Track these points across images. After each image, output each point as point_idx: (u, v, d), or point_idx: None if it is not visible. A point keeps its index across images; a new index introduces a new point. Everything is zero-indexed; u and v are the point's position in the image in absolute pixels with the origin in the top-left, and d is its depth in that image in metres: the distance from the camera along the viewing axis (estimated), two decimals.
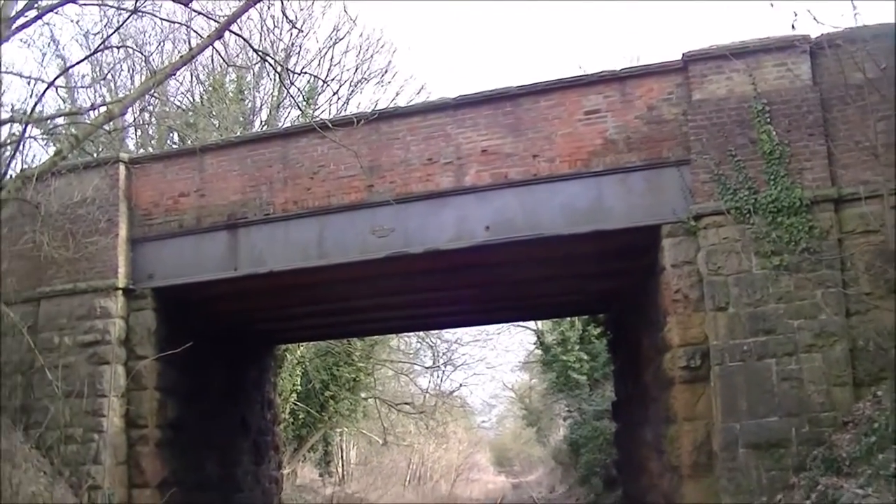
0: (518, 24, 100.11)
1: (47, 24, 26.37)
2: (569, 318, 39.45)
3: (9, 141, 17.53)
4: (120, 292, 17.81)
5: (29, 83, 27.32)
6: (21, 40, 28.90)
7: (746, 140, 14.87)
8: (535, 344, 49.41)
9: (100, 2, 16.20)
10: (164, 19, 20.04)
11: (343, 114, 28.97)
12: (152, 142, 31.04)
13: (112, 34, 17.92)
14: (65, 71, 19.98)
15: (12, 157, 16.66)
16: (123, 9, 17.54)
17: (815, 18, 18.90)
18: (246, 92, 33.32)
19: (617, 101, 15.92)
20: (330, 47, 34.41)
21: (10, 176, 15.75)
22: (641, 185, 15.67)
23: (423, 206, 16.64)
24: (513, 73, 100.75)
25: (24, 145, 16.52)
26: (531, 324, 46.51)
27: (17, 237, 17.25)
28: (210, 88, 32.25)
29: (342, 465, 44.83)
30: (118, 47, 19.29)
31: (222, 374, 21.77)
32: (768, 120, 14.77)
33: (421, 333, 41.35)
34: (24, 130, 16.09)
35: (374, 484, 43.41)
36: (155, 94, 21.55)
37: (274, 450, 25.87)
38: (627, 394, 21.98)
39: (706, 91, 15.24)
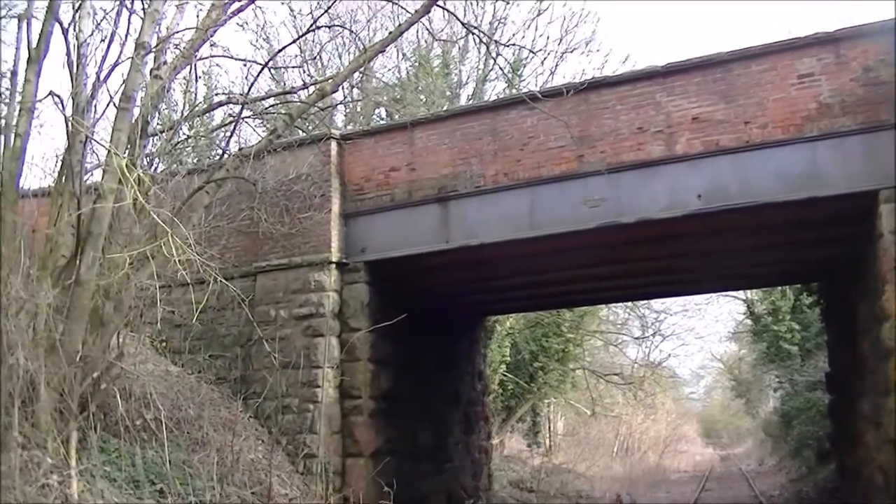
0: None
1: (259, 7, 26.96)
2: (780, 288, 38.56)
3: (226, 122, 18.10)
4: (333, 266, 18.09)
5: (245, 66, 28.19)
6: (237, 24, 29.89)
7: None
8: (744, 314, 48.59)
9: None
10: None
11: (549, 85, 28.79)
12: (360, 118, 31.55)
13: (322, 15, 18.18)
14: (278, 52, 20.44)
15: (230, 136, 17.20)
16: None
17: None
18: (451, 66, 33.47)
19: (831, 64, 15.28)
20: (534, 18, 34.28)
21: (228, 155, 16.22)
22: (857, 150, 14.99)
23: (634, 176, 16.37)
24: (716, 39, 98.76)
25: (238, 126, 16.99)
26: (740, 293, 45.69)
27: (235, 214, 17.72)
28: (416, 64, 32.52)
29: (550, 436, 45.02)
30: (329, 27, 19.59)
31: (434, 345, 22.03)
32: None
33: (629, 304, 40.94)
34: (241, 111, 16.55)
35: (581, 455, 43.40)
36: (363, 71, 21.83)
37: (483, 420, 26.10)
38: (842, 364, 21.19)
39: None
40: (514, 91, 23.86)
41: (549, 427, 45.47)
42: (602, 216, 16.49)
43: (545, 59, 33.40)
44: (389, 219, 18.31)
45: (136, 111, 12.93)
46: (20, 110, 12.73)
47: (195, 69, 15.59)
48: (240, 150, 16.30)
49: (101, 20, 13.40)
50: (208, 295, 12.66)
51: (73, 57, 12.83)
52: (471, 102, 30.26)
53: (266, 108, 20.65)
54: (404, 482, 17.52)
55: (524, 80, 32.73)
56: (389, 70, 33.61)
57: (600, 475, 40.25)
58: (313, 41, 29.18)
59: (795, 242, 19.16)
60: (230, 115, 18.73)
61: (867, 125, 14.89)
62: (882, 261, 14.80)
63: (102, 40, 13.25)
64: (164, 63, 13.67)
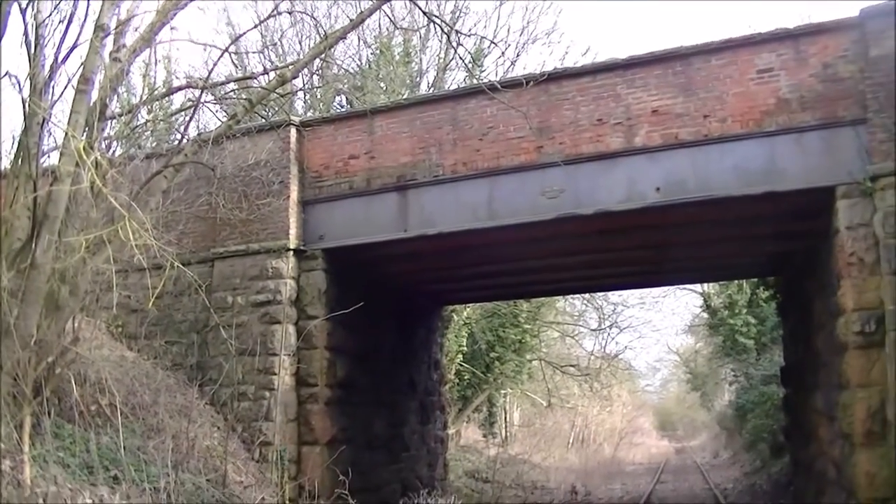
0: None
1: None
2: (736, 281, 38.85)
3: (186, 106, 17.94)
4: (291, 253, 18.06)
5: (205, 50, 27.96)
6: (198, 8, 29.68)
7: None
8: (701, 307, 48.95)
9: None
10: None
11: (509, 75, 28.75)
12: (320, 105, 31.44)
13: (283, 0, 18.05)
14: (238, 38, 20.28)
15: (189, 121, 17.07)
16: None
17: None
18: (412, 54, 33.40)
19: (790, 60, 15.36)
20: (496, 8, 34.32)
21: (187, 139, 16.11)
22: (816, 146, 15.10)
23: (593, 167, 16.41)
24: (677, 33, 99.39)
25: (198, 111, 16.87)
26: (697, 287, 45.99)
27: (193, 199, 17.59)
28: (377, 52, 32.45)
29: (506, 427, 45.15)
30: (290, 13, 19.49)
31: (391, 334, 22.04)
32: None
33: (587, 295, 41.10)
34: (200, 96, 16.43)
35: (537, 445, 43.57)
36: (324, 58, 21.72)
37: (440, 410, 26.14)
38: (797, 359, 21.39)
39: (884, 47, 14.45)
40: (474, 81, 23.80)
41: (506, 417, 45.61)
42: (560, 207, 16.52)
43: (506, 49, 33.47)
44: (348, 206, 18.28)
45: (95, 94, 12.78)
46: None
47: (155, 53, 15.50)
48: (199, 134, 16.14)
49: (60, 1, 13.24)
50: (165, 280, 12.56)
51: (31, 37, 12.65)
52: (431, 91, 30.19)
53: (226, 94, 20.51)
54: (359, 471, 17.56)
55: (485, 70, 32.69)
56: (350, 57, 33.49)
57: (556, 466, 40.44)
58: (274, 27, 29.11)
59: (753, 236, 19.28)
60: (190, 99, 18.61)
61: (825, 121, 15.00)
62: (838, 256, 14.93)
63: (61, 21, 13.05)
64: (124, 46, 13.50)
